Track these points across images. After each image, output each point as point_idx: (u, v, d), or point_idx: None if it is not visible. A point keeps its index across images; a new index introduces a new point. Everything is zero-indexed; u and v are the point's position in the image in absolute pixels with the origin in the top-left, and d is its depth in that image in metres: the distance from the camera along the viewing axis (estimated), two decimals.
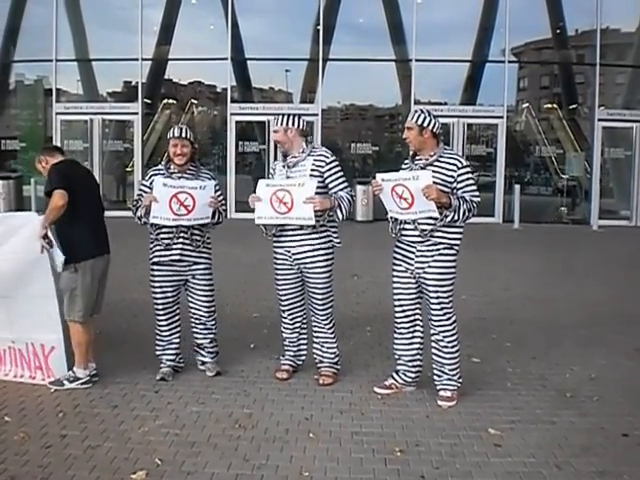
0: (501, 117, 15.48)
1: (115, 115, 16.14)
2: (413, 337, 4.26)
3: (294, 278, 4.44)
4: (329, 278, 4.42)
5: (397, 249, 4.24)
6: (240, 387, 4.38)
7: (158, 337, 4.60)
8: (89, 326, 4.36)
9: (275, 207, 4.25)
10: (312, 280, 4.39)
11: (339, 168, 4.38)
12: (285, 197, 4.21)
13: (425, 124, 4.05)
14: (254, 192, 4.37)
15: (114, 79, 16.86)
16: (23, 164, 15.93)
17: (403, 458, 3.39)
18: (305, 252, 4.33)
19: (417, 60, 15.44)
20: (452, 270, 4.10)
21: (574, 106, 17.10)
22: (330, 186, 4.32)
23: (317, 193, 4.19)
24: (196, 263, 4.49)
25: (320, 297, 4.42)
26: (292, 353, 4.63)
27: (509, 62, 15.85)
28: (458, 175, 4.02)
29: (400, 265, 4.20)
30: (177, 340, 4.63)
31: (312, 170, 4.30)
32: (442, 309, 4.11)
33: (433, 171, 4.00)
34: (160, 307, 4.54)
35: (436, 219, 3.97)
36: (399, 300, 4.25)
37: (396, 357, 4.34)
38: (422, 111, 4.14)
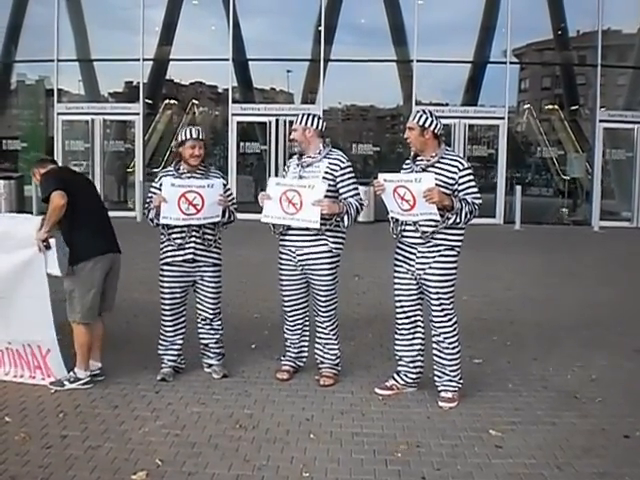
0: (502, 118, 15.45)
1: (116, 115, 16.09)
2: (414, 338, 4.26)
3: (298, 279, 4.43)
4: (333, 280, 4.41)
5: (398, 250, 4.23)
6: (241, 388, 4.38)
7: (162, 337, 4.59)
8: (91, 327, 4.34)
9: (284, 207, 4.26)
10: (316, 282, 4.38)
11: (353, 174, 4.36)
12: (294, 198, 4.21)
13: (427, 125, 4.04)
14: (262, 190, 4.40)
15: (115, 79, 16.87)
16: (24, 164, 15.94)
17: (404, 459, 3.39)
18: (309, 254, 4.32)
19: (418, 61, 15.43)
20: (453, 271, 4.10)
21: (575, 107, 17.09)
22: (341, 191, 4.31)
23: (326, 197, 4.19)
24: (207, 264, 4.48)
25: (324, 299, 4.42)
26: (293, 354, 4.63)
27: (510, 63, 15.82)
28: (460, 177, 4.01)
29: (401, 266, 4.20)
30: (180, 341, 4.62)
31: (326, 173, 4.28)
32: (443, 310, 4.11)
33: (434, 172, 3.99)
34: (167, 307, 4.53)
35: (437, 222, 3.97)
36: (400, 301, 4.24)
37: (397, 358, 4.34)
38: (424, 111, 4.12)
